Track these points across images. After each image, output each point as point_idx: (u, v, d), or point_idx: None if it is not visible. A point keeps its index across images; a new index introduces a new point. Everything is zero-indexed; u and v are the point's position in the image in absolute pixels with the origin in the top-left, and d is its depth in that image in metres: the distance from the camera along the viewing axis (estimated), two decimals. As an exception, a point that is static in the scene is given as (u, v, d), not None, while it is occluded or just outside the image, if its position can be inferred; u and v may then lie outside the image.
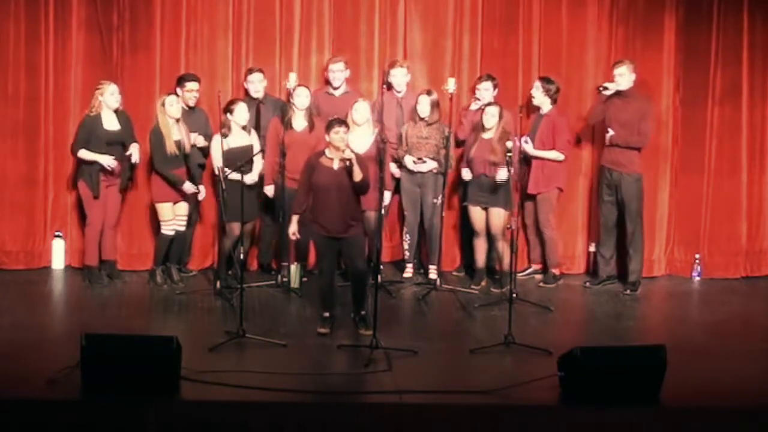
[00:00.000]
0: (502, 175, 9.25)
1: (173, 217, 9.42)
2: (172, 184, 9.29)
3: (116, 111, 9.40)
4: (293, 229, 8.43)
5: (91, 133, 9.28)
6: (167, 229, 9.42)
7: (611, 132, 9.62)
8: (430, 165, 9.66)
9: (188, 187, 9.30)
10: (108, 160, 9.27)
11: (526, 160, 9.77)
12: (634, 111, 9.59)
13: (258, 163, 9.35)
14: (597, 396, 7.02)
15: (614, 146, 9.63)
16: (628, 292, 9.70)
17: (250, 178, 9.15)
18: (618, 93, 9.61)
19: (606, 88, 9.61)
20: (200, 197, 9.50)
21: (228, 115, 9.26)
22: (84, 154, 9.29)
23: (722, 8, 10.16)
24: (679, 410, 7.06)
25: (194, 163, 9.49)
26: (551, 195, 9.82)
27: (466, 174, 9.55)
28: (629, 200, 9.65)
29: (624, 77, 9.59)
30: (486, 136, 9.42)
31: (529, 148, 9.67)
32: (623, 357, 7.21)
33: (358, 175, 8.13)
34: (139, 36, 9.86)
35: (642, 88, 9.82)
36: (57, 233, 9.95)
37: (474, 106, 9.94)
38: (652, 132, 9.74)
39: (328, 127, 8.29)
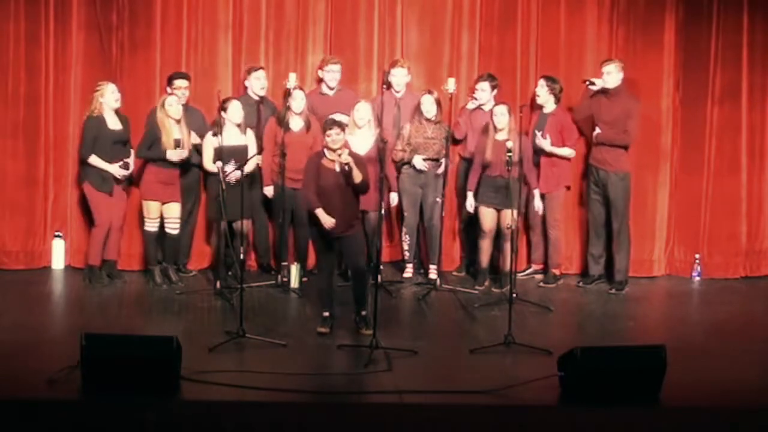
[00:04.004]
0: (545, 143, 9.49)
1: (159, 215, 9.42)
2: (159, 158, 9.26)
3: (116, 111, 9.40)
4: (326, 219, 8.17)
5: (97, 135, 9.30)
6: (151, 226, 9.43)
7: (598, 130, 9.64)
8: (444, 165, 9.65)
9: (172, 153, 9.23)
10: (117, 170, 9.32)
11: (534, 157, 9.76)
12: (620, 110, 9.60)
13: (252, 163, 9.31)
14: (597, 396, 7.02)
15: (601, 145, 9.65)
16: (613, 291, 9.71)
17: (234, 176, 9.02)
18: (605, 91, 9.63)
19: (593, 83, 9.63)
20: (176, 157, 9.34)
21: (222, 113, 9.27)
22: (95, 161, 9.31)
23: (722, 8, 10.16)
24: (679, 410, 7.06)
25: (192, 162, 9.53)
26: (560, 194, 9.83)
27: (470, 204, 9.59)
28: (615, 198, 9.67)
29: (611, 75, 9.60)
30: (499, 137, 9.39)
31: (546, 144, 9.67)
32: (623, 357, 7.20)
33: (357, 177, 8.14)
34: (139, 36, 9.86)
35: (633, 88, 9.83)
36: (57, 233, 9.95)
37: (471, 105, 9.95)
38: (638, 131, 9.74)
39: (323, 129, 8.30)
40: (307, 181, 8.34)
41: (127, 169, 9.41)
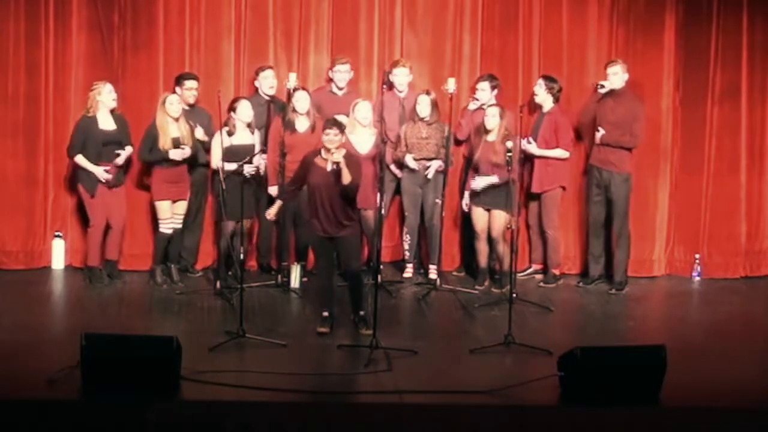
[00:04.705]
0: (475, 184, 9.28)
1: (171, 215, 9.43)
2: (162, 160, 9.27)
3: (113, 112, 9.40)
4: (272, 211, 8.51)
5: (86, 135, 9.30)
6: (165, 228, 9.43)
7: (602, 131, 9.63)
8: (435, 165, 9.65)
9: (174, 152, 9.22)
10: (102, 173, 9.30)
11: (527, 159, 9.76)
12: (625, 111, 9.59)
13: (256, 161, 9.32)
14: (597, 396, 7.02)
15: (605, 146, 9.64)
16: (613, 291, 9.71)
17: (249, 169, 9.04)
18: (610, 93, 9.63)
19: (603, 86, 9.63)
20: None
21: (232, 113, 9.26)
22: (80, 160, 9.31)
23: (722, 8, 10.16)
24: (679, 410, 7.06)
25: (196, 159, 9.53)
26: (555, 194, 9.83)
27: (465, 203, 9.56)
28: (617, 199, 9.66)
29: (618, 76, 9.59)
30: (489, 138, 9.41)
31: (533, 148, 9.67)
32: (623, 357, 7.21)
33: (346, 179, 8.10)
34: (141, 36, 9.87)
35: (634, 88, 9.82)
36: (57, 233, 9.95)
37: (472, 106, 9.95)
38: (644, 133, 9.73)
39: (324, 127, 8.31)
40: (294, 174, 8.40)
41: (118, 166, 9.38)
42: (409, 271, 10.01)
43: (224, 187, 9.06)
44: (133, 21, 9.84)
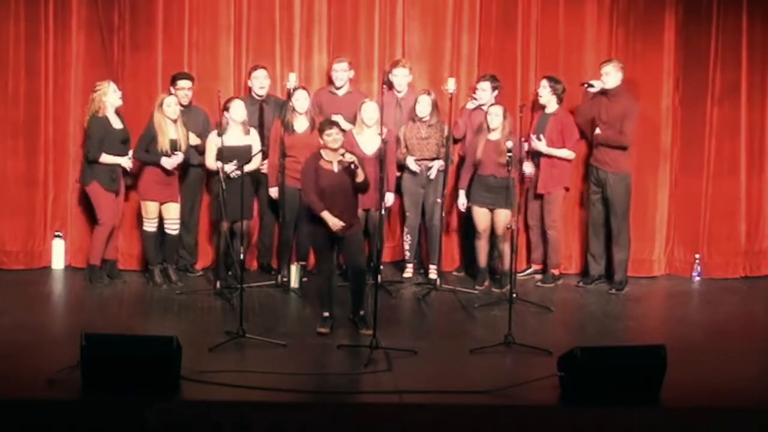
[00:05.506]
0: (528, 168, 9.30)
1: (157, 215, 9.42)
2: (154, 163, 9.29)
3: (116, 110, 9.41)
4: (333, 221, 8.15)
5: (105, 135, 9.29)
6: (149, 226, 9.43)
7: (598, 131, 9.64)
8: (437, 165, 9.65)
9: (166, 160, 9.25)
10: (127, 162, 9.36)
11: (533, 160, 9.74)
12: (618, 110, 9.58)
13: (255, 162, 9.33)
14: (597, 396, 7.02)
15: (600, 145, 9.65)
16: (613, 291, 9.71)
17: (234, 173, 9.03)
18: (605, 92, 9.62)
19: (591, 85, 9.62)
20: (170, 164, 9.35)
21: (225, 112, 9.26)
22: (106, 158, 9.30)
23: (722, 8, 10.17)
24: (679, 410, 7.06)
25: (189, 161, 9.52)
26: (559, 195, 9.83)
27: (462, 202, 9.58)
28: (614, 199, 9.66)
29: (610, 76, 9.58)
30: (492, 137, 9.41)
31: (542, 146, 9.65)
32: (623, 357, 7.21)
33: (360, 177, 8.14)
34: (140, 36, 9.87)
35: (633, 88, 9.82)
36: (57, 233, 9.95)
37: (470, 105, 9.95)
38: (635, 132, 9.72)
39: (320, 130, 8.28)
40: (306, 186, 8.32)
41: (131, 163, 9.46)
42: (409, 271, 10.01)
43: (224, 187, 9.06)
44: (132, 21, 9.84)
